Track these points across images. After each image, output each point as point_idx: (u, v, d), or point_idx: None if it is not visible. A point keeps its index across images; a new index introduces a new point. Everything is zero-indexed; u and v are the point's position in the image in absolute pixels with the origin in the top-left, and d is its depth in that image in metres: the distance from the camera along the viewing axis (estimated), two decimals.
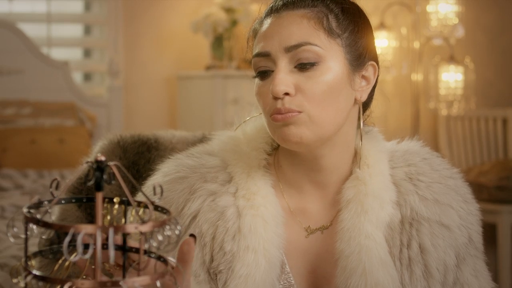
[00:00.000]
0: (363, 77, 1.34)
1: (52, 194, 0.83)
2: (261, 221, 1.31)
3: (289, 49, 1.27)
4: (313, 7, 1.30)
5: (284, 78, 1.27)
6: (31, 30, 4.42)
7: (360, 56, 1.32)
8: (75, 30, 4.84)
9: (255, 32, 1.35)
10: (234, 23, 4.44)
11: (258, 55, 1.30)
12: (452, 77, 4.51)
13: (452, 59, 4.51)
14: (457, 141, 4.87)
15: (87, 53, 4.87)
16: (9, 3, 4.51)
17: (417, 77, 4.64)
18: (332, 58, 1.29)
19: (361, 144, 1.36)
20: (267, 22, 1.32)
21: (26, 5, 4.60)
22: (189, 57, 4.70)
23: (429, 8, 4.51)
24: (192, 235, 1.03)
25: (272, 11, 1.32)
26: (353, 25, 1.32)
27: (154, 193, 0.89)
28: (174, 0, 4.68)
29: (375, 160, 1.36)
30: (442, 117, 4.87)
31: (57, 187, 0.84)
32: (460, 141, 4.86)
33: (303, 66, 1.27)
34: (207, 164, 1.36)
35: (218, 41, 4.48)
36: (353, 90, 1.32)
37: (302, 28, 1.28)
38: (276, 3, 1.33)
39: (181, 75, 4.59)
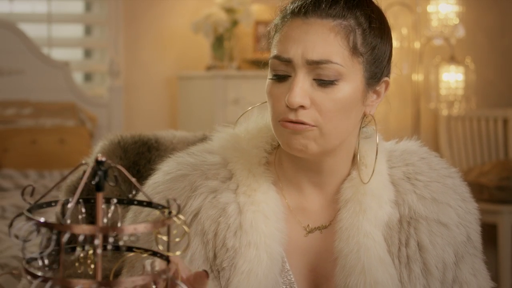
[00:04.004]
0: (375, 92, 1.34)
1: (24, 200, 0.83)
2: (262, 217, 1.31)
3: (310, 63, 1.26)
4: (343, 18, 1.27)
5: (302, 90, 1.25)
6: (32, 31, 4.42)
7: (377, 73, 1.32)
8: (75, 31, 4.84)
9: (276, 28, 1.32)
10: (234, 23, 4.44)
11: (280, 59, 1.28)
12: (452, 77, 4.51)
13: (452, 59, 4.51)
14: (458, 141, 4.87)
15: (87, 53, 4.87)
16: (10, 3, 4.51)
17: (418, 77, 4.64)
18: (351, 76, 1.28)
19: (358, 146, 1.36)
20: (293, 23, 1.29)
21: (26, 5, 4.60)
22: (190, 58, 4.70)
23: (430, 8, 4.51)
24: (204, 271, 1.04)
25: (301, 12, 1.28)
26: (376, 42, 1.30)
27: (168, 206, 0.89)
28: (174, 1, 4.68)
29: (373, 160, 1.36)
30: (442, 117, 4.87)
31: (32, 194, 0.84)
32: (461, 141, 4.86)
33: (322, 83, 1.26)
34: (207, 161, 1.36)
35: (218, 42, 4.48)
36: (364, 106, 1.32)
37: (328, 45, 1.26)
38: (305, 3, 1.29)
39: (182, 76, 4.59)
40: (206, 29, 4.40)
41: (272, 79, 1.30)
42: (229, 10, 4.43)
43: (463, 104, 4.52)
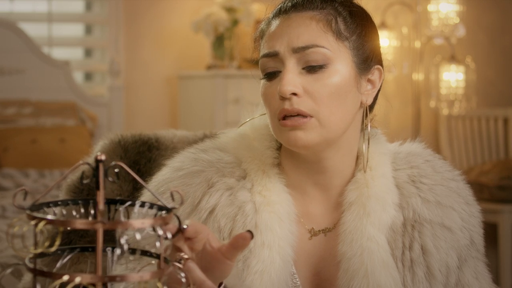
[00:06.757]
0: (369, 80, 1.34)
1: (15, 206, 0.83)
2: (276, 218, 1.31)
3: (297, 50, 1.27)
4: (322, 9, 1.30)
5: (292, 78, 1.26)
6: (32, 30, 4.42)
7: (367, 59, 1.32)
8: (76, 30, 4.84)
9: (262, 33, 1.35)
10: (235, 22, 4.44)
11: (267, 55, 1.30)
12: (453, 77, 4.51)
13: (453, 58, 4.51)
14: (458, 140, 4.87)
15: (88, 52, 4.87)
16: (10, 3, 4.51)
17: (418, 76, 4.64)
18: (340, 60, 1.29)
19: (368, 147, 1.35)
20: (275, 23, 1.32)
21: (27, 4, 4.60)
22: (190, 57, 4.70)
23: (430, 7, 4.51)
24: (249, 232, 1.06)
25: (281, 12, 1.32)
26: (360, 28, 1.32)
27: (173, 199, 0.89)
28: (175, 0, 4.68)
29: (377, 163, 1.36)
30: (443, 117, 4.87)
31: (25, 198, 0.84)
32: (461, 140, 4.86)
33: (311, 68, 1.27)
34: (223, 159, 1.36)
35: (219, 41, 4.48)
36: (359, 94, 1.32)
37: (311, 30, 1.28)
38: (285, 4, 1.33)
39: (182, 75, 4.59)
40: (207, 28, 4.40)
41: (263, 79, 1.31)
42: (230, 10, 4.43)
43: (463, 103, 4.52)
